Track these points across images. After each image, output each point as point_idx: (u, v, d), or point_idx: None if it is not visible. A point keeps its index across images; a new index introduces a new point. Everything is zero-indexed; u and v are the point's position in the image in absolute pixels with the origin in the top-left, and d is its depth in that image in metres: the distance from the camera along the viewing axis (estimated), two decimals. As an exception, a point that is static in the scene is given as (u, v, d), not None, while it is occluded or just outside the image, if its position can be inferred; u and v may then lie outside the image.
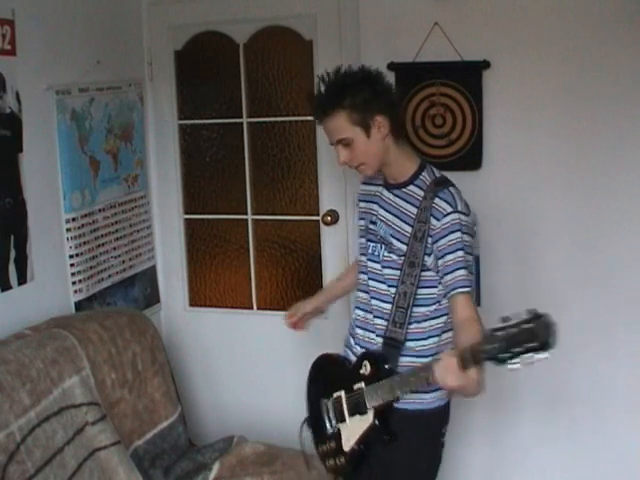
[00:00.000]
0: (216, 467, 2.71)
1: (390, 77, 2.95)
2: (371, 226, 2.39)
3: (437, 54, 2.92)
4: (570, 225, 2.94)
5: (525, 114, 2.92)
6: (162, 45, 3.43)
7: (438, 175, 2.31)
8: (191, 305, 3.63)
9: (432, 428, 2.37)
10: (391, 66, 2.98)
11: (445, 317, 2.29)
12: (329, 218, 3.31)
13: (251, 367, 3.54)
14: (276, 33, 3.28)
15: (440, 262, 2.21)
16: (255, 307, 3.54)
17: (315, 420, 2.47)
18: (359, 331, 2.43)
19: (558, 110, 2.88)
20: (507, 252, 3.01)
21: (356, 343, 2.45)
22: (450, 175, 2.54)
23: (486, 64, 2.90)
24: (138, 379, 2.74)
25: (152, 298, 3.54)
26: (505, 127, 2.94)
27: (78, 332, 2.58)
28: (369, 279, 2.39)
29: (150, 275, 3.52)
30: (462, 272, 2.17)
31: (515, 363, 1.81)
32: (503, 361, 1.82)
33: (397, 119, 2.31)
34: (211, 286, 3.61)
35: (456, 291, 2.17)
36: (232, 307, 3.58)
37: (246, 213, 3.47)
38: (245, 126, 3.41)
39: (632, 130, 2.82)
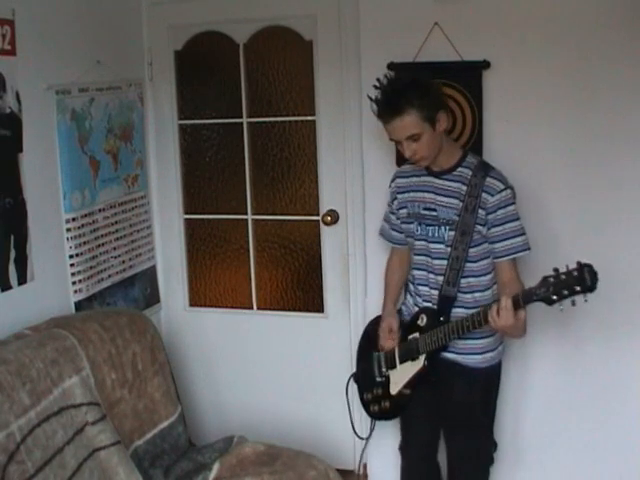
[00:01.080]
0: (216, 467, 2.71)
1: (390, 77, 2.96)
2: (425, 212, 2.65)
3: (437, 54, 2.91)
4: (571, 224, 2.94)
5: (525, 114, 2.91)
6: (162, 45, 3.43)
7: (479, 158, 2.67)
8: (191, 305, 3.64)
9: (489, 382, 2.74)
10: (391, 66, 2.97)
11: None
12: (329, 218, 3.31)
13: (251, 367, 3.54)
14: (276, 33, 3.28)
15: (493, 230, 2.54)
16: (255, 307, 3.54)
17: (362, 373, 2.91)
18: (425, 304, 2.71)
19: (558, 110, 2.88)
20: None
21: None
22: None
23: (486, 64, 2.90)
24: (138, 379, 2.74)
25: (152, 298, 3.54)
26: (505, 127, 2.94)
27: (78, 332, 2.58)
28: (433, 259, 2.65)
29: (150, 275, 3.52)
30: (520, 238, 2.56)
31: (560, 304, 2.28)
32: (552, 302, 2.28)
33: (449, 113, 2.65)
34: (211, 286, 3.61)
35: (512, 256, 2.56)
36: (232, 307, 3.58)
37: (246, 213, 3.47)
38: (245, 126, 3.41)
39: (633, 129, 2.82)
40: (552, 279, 2.29)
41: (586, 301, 2.26)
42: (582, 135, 2.87)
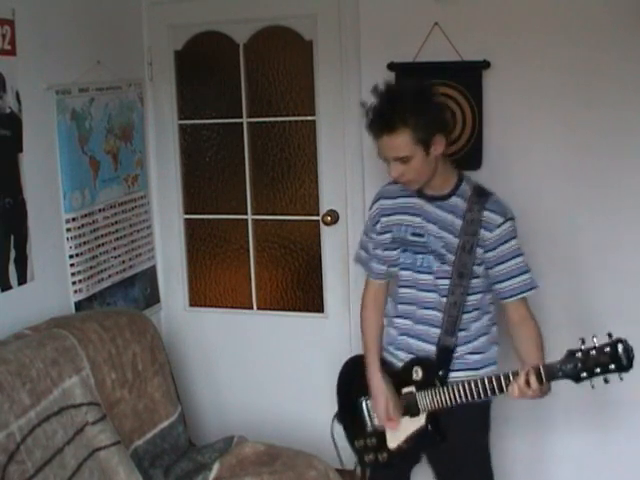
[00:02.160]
0: (216, 467, 2.71)
1: (390, 77, 2.95)
2: (414, 238, 2.42)
3: (437, 54, 2.92)
4: (571, 225, 2.94)
5: (525, 114, 2.91)
6: (162, 45, 3.43)
7: (474, 184, 2.41)
8: (191, 305, 3.64)
9: (486, 415, 2.51)
10: (391, 66, 2.98)
11: (488, 315, 2.45)
12: (329, 218, 3.31)
13: (251, 367, 3.54)
14: (276, 33, 3.28)
15: (497, 269, 2.33)
16: (255, 307, 3.54)
17: (349, 416, 2.66)
18: (403, 337, 2.50)
19: (558, 110, 2.88)
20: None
21: (400, 349, 2.52)
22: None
23: (486, 64, 2.90)
24: (138, 379, 2.74)
25: (152, 298, 3.54)
26: (505, 127, 2.94)
27: (78, 332, 2.58)
28: (419, 291, 2.44)
29: (150, 275, 3.52)
30: (527, 276, 2.34)
31: (591, 381, 2.06)
32: (580, 379, 2.06)
33: (450, 136, 2.42)
34: (211, 286, 3.61)
35: (520, 296, 2.34)
36: (232, 307, 3.58)
37: (246, 213, 3.47)
38: (245, 126, 3.41)
39: (633, 129, 2.82)
40: (580, 354, 2.06)
41: (621, 379, 2.03)
42: (583, 134, 2.87)
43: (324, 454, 2.80)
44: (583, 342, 2.07)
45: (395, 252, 2.47)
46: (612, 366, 2.02)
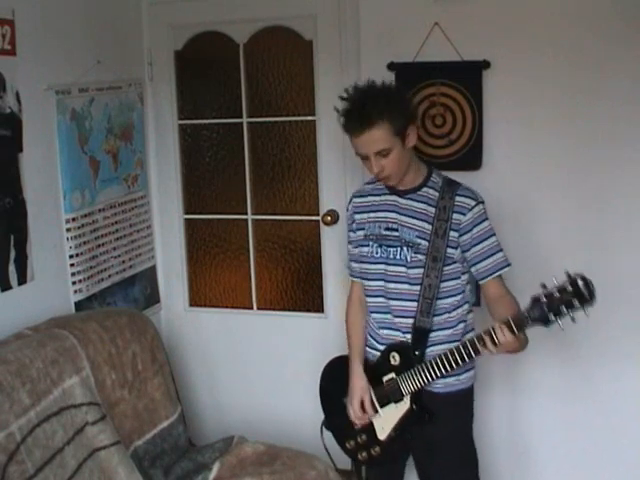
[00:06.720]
0: (216, 467, 2.71)
1: (390, 77, 2.95)
2: (387, 232, 2.50)
3: (437, 54, 2.92)
4: (571, 224, 2.94)
5: (525, 114, 2.92)
6: (162, 45, 3.43)
7: (444, 176, 2.51)
8: (191, 305, 3.64)
9: (469, 404, 2.61)
10: (391, 66, 2.98)
11: (468, 304, 2.54)
12: (329, 218, 3.31)
13: (251, 367, 3.54)
14: (276, 33, 3.28)
15: (473, 250, 2.43)
16: (255, 307, 3.54)
17: (336, 420, 2.68)
18: (384, 331, 2.55)
19: (558, 109, 2.88)
20: (507, 252, 3.00)
21: (380, 343, 2.57)
22: (450, 175, 2.56)
23: (486, 64, 2.90)
24: (138, 379, 2.74)
25: (152, 298, 3.54)
26: (505, 127, 2.94)
27: (78, 332, 2.58)
28: (388, 282, 2.50)
29: (150, 275, 3.52)
30: (500, 255, 2.45)
31: (560, 322, 2.15)
32: (549, 322, 2.16)
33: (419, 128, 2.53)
34: (211, 286, 3.61)
35: (497, 273, 2.45)
36: (232, 307, 3.58)
37: (246, 213, 3.47)
38: (245, 126, 3.41)
39: (632, 129, 2.82)
40: (544, 298, 2.16)
41: (588, 316, 2.14)
42: (583, 134, 2.87)
43: (324, 454, 2.80)
44: (544, 287, 2.17)
45: (368, 248, 2.54)
46: (576, 302, 2.12)
